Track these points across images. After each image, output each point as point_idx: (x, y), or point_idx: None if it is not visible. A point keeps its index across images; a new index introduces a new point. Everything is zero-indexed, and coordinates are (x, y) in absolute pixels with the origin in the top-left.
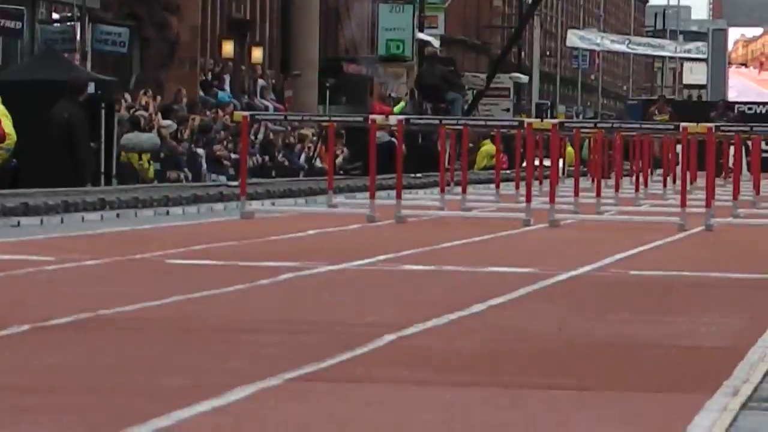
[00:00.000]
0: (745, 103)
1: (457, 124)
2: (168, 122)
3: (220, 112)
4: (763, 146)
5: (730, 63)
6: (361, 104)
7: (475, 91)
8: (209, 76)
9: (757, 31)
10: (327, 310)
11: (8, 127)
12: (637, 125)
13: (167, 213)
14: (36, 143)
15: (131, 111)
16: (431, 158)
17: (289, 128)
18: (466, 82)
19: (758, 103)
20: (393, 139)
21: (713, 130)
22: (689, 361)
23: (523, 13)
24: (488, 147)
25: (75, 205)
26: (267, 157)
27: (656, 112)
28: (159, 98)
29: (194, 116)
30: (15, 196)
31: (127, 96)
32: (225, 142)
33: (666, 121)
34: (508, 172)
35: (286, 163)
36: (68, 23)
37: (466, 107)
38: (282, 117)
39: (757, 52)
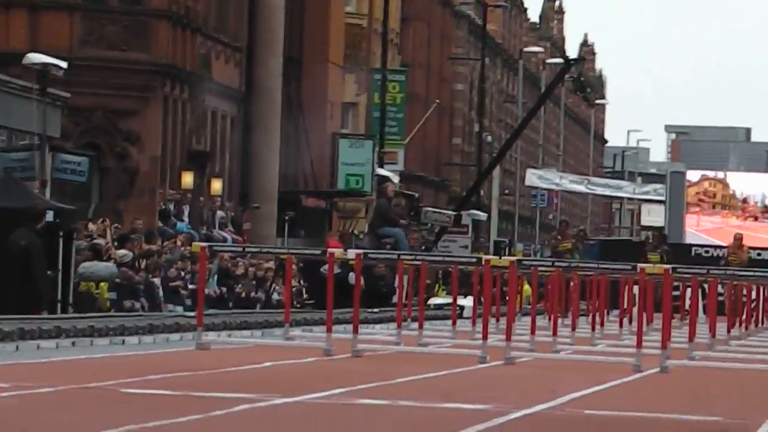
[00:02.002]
0: (701, 246)
1: (415, 260)
2: (123, 252)
3: (178, 242)
4: (719, 290)
5: (687, 205)
6: (319, 238)
7: (437, 228)
8: (168, 207)
9: (719, 174)
10: None
11: None
12: (594, 265)
13: (123, 342)
14: None
15: (90, 240)
16: (386, 294)
17: (248, 260)
18: (430, 218)
19: (715, 247)
20: (345, 272)
21: (670, 272)
22: None
23: (480, 153)
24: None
25: (30, 333)
26: (225, 289)
27: (558, 237)
28: (117, 227)
29: (149, 246)
30: None
31: (90, 225)
32: (182, 273)
33: (569, 249)
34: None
35: (243, 295)
36: (28, 151)
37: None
38: (240, 249)
39: (696, 197)
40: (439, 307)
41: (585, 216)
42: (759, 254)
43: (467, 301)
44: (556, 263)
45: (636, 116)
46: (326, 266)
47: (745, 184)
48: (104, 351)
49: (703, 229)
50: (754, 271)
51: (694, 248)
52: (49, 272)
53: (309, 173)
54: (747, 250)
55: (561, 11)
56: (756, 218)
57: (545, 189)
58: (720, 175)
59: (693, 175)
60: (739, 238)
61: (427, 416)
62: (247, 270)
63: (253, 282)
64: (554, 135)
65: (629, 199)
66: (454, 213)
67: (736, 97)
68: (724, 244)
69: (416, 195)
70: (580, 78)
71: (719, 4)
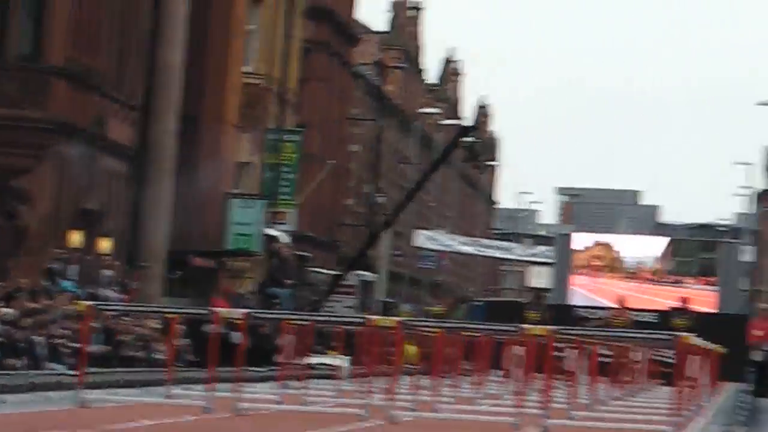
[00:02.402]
0: (585, 308)
1: (300, 320)
2: (7, 310)
3: (56, 301)
4: (601, 351)
5: (574, 268)
6: (206, 297)
7: (322, 288)
8: (54, 266)
9: (606, 237)
10: None
11: None
12: (480, 326)
13: (3, 401)
14: None
15: None
16: (270, 352)
17: (132, 319)
18: (315, 279)
19: (597, 308)
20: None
21: (553, 334)
22: None
23: (372, 214)
24: None
25: None
26: (109, 348)
27: (435, 305)
28: (1, 285)
29: (33, 304)
30: None
31: None
32: (66, 331)
33: (441, 313)
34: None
35: (127, 353)
36: None
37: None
38: (126, 308)
39: (590, 260)
40: (312, 366)
41: (474, 277)
42: (636, 315)
43: (342, 361)
44: (441, 324)
45: (528, 178)
46: (209, 325)
47: (630, 247)
48: None
49: (586, 288)
50: (635, 333)
51: (576, 309)
52: None
53: (199, 233)
54: (629, 313)
55: (458, 73)
56: (631, 278)
57: (434, 250)
58: (606, 239)
59: (582, 238)
60: (621, 301)
61: None
62: (131, 329)
63: (138, 342)
64: (445, 196)
65: (518, 261)
66: (338, 273)
67: (625, 160)
68: (606, 305)
69: (309, 255)
70: (473, 146)
71: (607, 71)
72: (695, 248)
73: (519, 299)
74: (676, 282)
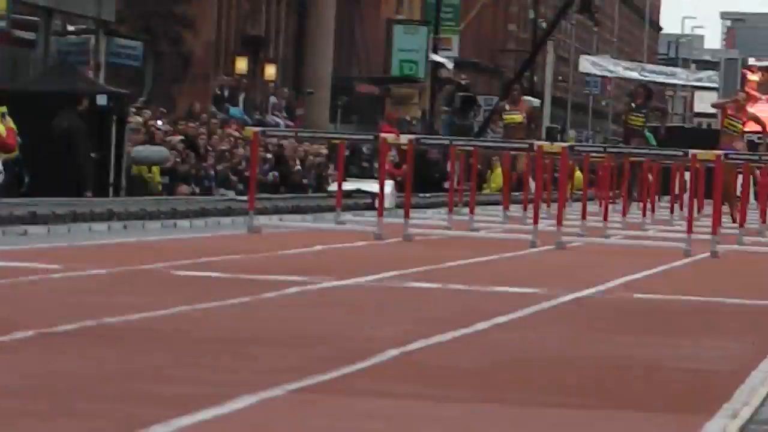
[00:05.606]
0: (755, 133)
1: (467, 145)
2: (176, 137)
3: (231, 128)
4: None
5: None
6: (372, 124)
7: (486, 113)
8: (222, 92)
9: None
10: (332, 325)
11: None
12: (646, 151)
13: (174, 225)
14: (42, 153)
15: (145, 123)
16: (439, 180)
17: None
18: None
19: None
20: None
21: (722, 158)
22: (691, 383)
23: (537, 38)
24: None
25: (83, 215)
26: (277, 173)
27: (506, 107)
28: (169, 112)
29: (202, 131)
30: (23, 205)
31: (146, 111)
32: (235, 158)
33: (518, 122)
34: (516, 194)
35: (296, 179)
36: (83, 36)
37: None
38: (292, 133)
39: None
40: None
41: None
42: None
43: (386, 188)
44: (608, 149)
45: (691, 2)
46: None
47: None
48: (156, 234)
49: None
50: None
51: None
52: (92, 154)
53: (363, 59)
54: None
55: None
56: None
57: (599, 76)
58: None
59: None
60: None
61: (477, 299)
62: (305, 156)
63: (305, 167)
64: (608, 21)
65: (683, 86)
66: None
67: None
68: None
69: (468, 82)
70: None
71: None
72: None
73: (685, 125)
74: None
